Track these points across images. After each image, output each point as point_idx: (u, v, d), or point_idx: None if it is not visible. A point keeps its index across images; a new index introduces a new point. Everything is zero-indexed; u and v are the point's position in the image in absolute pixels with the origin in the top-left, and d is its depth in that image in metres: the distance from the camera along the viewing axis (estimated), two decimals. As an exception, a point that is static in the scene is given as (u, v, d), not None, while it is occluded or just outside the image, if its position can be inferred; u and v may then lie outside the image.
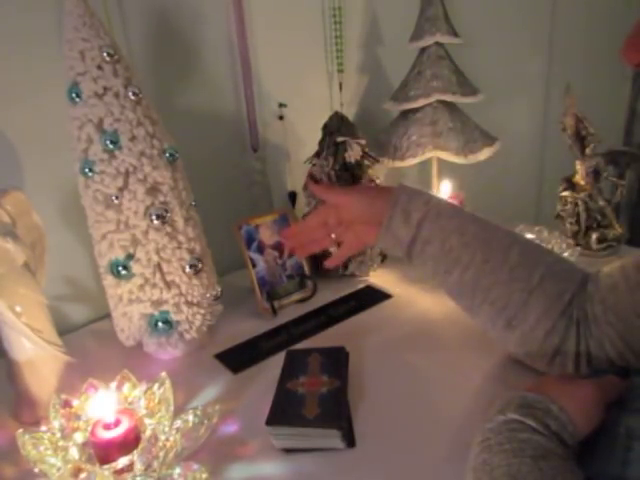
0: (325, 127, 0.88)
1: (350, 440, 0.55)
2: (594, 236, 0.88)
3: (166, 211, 0.67)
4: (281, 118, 0.97)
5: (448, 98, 0.94)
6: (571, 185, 0.91)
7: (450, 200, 0.92)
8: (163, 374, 0.57)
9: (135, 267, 0.68)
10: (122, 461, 0.49)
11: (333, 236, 0.68)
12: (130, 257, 0.68)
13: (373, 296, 0.84)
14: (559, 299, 0.55)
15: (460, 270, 0.59)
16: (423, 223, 0.60)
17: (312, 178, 0.87)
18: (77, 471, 0.50)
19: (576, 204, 0.90)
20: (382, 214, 0.62)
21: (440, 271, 0.61)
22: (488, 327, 0.60)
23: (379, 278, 0.89)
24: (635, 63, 0.44)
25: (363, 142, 0.87)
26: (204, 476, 0.50)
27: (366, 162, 0.88)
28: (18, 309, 0.58)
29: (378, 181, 0.90)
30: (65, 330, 0.77)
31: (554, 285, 0.56)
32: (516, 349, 0.59)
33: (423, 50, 0.95)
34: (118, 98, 0.64)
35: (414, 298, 0.82)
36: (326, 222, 0.67)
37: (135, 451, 0.50)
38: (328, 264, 0.71)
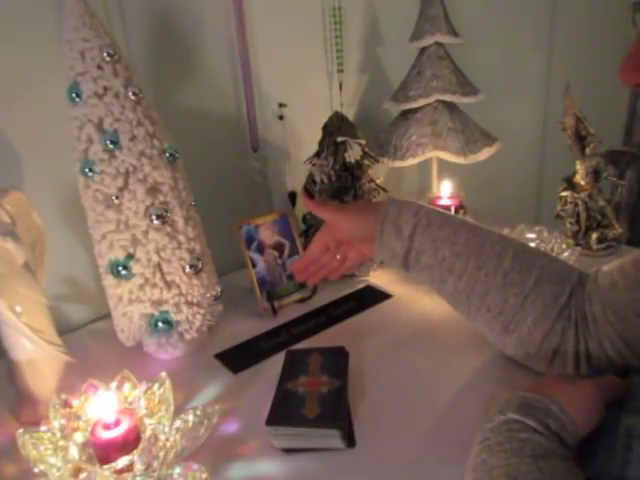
0: (325, 127, 0.88)
1: (350, 440, 0.55)
2: (594, 236, 0.88)
3: (166, 211, 0.67)
4: (281, 118, 0.97)
5: (448, 98, 0.94)
6: (571, 185, 0.91)
7: (447, 201, 0.93)
8: (163, 374, 0.57)
9: (135, 267, 0.68)
10: (122, 461, 0.49)
11: (338, 257, 0.70)
12: (130, 257, 0.68)
13: (373, 296, 0.84)
14: (555, 301, 0.55)
15: (454, 278, 0.59)
16: (414, 235, 0.60)
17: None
18: (77, 471, 0.50)
19: (576, 204, 0.90)
20: (374, 230, 0.62)
21: (435, 280, 0.61)
22: (486, 332, 0.61)
23: (379, 278, 0.89)
24: (632, 83, 0.44)
25: (363, 142, 0.87)
26: (204, 476, 0.50)
27: (366, 162, 0.88)
28: (18, 309, 0.58)
29: (378, 181, 0.90)
30: (65, 330, 0.77)
31: (549, 287, 0.56)
32: (515, 352, 0.60)
33: (423, 50, 0.96)
34: (118, 98, 0.64)
35: (414, 298, 0.82)
36: (327, 247, 0.69)
37: (135, 451, 0.50)
38: (332, 278, 0.72)
